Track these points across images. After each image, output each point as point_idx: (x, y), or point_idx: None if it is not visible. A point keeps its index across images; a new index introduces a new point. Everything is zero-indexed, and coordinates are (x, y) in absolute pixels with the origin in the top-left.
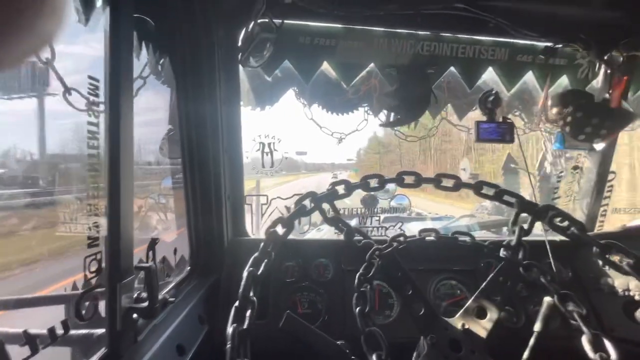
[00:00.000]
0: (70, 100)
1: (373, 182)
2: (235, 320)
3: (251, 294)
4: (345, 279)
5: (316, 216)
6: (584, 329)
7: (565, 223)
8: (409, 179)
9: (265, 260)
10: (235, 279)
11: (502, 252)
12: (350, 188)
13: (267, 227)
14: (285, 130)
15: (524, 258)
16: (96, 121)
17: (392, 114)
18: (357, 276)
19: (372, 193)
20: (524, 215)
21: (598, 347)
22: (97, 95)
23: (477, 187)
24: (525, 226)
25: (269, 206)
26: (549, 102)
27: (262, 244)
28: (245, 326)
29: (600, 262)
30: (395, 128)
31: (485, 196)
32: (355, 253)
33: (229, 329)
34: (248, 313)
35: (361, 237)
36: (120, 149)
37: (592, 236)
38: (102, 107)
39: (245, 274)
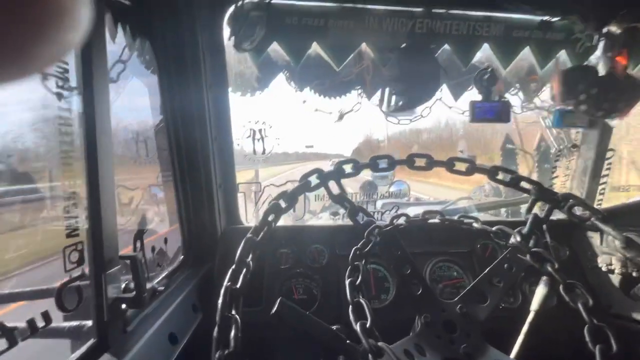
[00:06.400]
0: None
1: (382, 163)
2: (229, 279)
3: (249, 259)
4: (340, 264)
5: (314, 204)
6: (588, 320)
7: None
8: (420, 162)
9: (265, 229)
10: (230, 267)
11: (511, 239)
12: (358, 167)
13: (270, 200)
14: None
15: (533, 246)
16: (67, 107)
17: (395, 98)
18: (352, 250)
19: (372, 180)
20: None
21: (600, 339)
22: (66, 80)
23: (493, 173)
24: (541, 214)
25: (263, 193)
26: (554, 82)
27: (262, 213)
28: (238, 286)
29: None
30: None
31: (501, 182)
32: (350, 237)
33: (223, 287)
34: (242, 275)
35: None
36: (96, 134)
37: (614, 228)
38: (72, 96)
39: (243, 240)
